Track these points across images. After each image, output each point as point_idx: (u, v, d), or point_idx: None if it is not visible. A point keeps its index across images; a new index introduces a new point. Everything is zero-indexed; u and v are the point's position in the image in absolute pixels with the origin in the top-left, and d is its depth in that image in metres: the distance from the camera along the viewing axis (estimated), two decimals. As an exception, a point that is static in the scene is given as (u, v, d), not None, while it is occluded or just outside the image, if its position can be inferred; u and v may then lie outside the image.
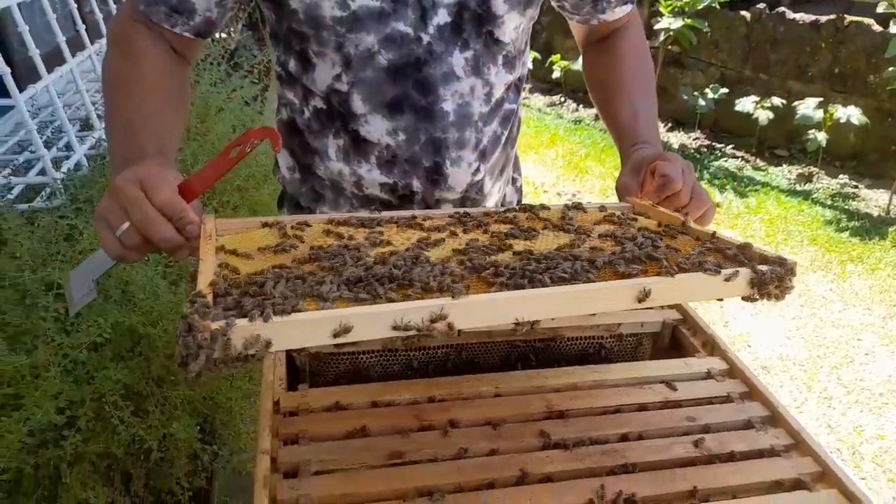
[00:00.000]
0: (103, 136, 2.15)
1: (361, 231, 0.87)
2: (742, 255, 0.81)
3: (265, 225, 0.88)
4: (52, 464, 1.31)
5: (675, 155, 0.96)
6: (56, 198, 1.73)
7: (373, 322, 0.63)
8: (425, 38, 0.93)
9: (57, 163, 1.97)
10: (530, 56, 1.17)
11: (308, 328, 0.62)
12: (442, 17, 0.93)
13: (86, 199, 1.59)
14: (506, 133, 1.08)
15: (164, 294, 1.40)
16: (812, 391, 2.66)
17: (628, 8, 1.11)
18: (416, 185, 1.01)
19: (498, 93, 1.02)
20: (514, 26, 0.99)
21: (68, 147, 2.09)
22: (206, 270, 0.70)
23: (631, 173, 1.00)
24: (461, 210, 0.92)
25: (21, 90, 1.83)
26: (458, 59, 0.96)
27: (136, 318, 1.37)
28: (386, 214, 0.90)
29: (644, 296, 0.72)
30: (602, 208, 0.97)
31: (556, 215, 0.94)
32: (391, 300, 0.65)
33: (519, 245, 0.84)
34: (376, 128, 0.97)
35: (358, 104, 0.97)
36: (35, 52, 1.89)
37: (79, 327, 1.30)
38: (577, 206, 0.97)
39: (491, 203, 1.12)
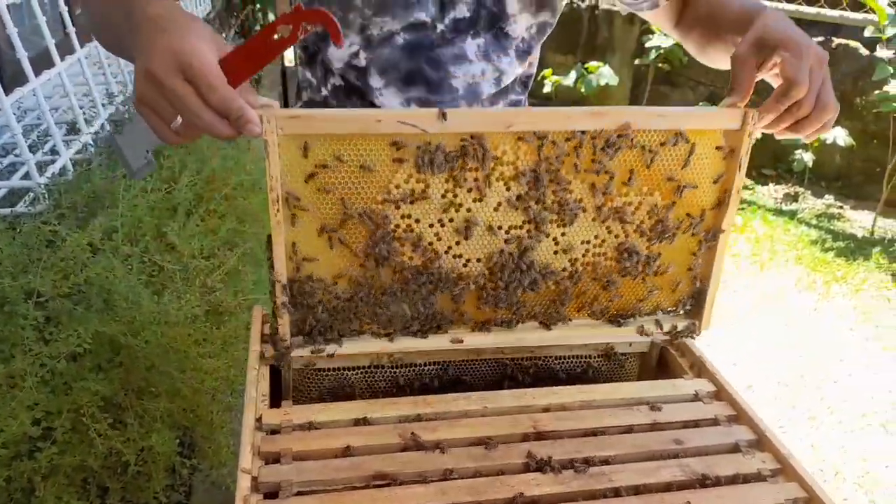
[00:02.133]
0: (90, 141, 2.12)
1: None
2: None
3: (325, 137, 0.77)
4: (25, 476, 1.28)
5: (805, 40, 0.81)
6: (39, 203, 1.70)
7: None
8: (440, 27, 0.99)
9: (41, 167, 1.94)
10: (537, 60, 1.16)
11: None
12: (460, 11, 0.99)
13: (70, 204, 1.56)
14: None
15: (146, 303, 1.38)
16: (796, 410, 2.66)
17: None
18: None
19: (507, 80, 1.06)
20: (525, 26, 1.03)
21: (53, 151, 2.06)
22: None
23: (753, 46, 0.84)
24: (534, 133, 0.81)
25: (7, 93, 1.80)
26: (471, 46, 1.01)
27: (116, 327, 1.35)
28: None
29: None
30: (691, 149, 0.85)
31: (628, 162, 0.84)
32: None
33: (552, 231, 0.87)
34: (390, 100, 1.01)
35: (375, 78, 1.01)
36: (23, 55, 1.86)
37: (58, 336, 1.28)
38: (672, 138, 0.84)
39: None
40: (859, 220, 4.24)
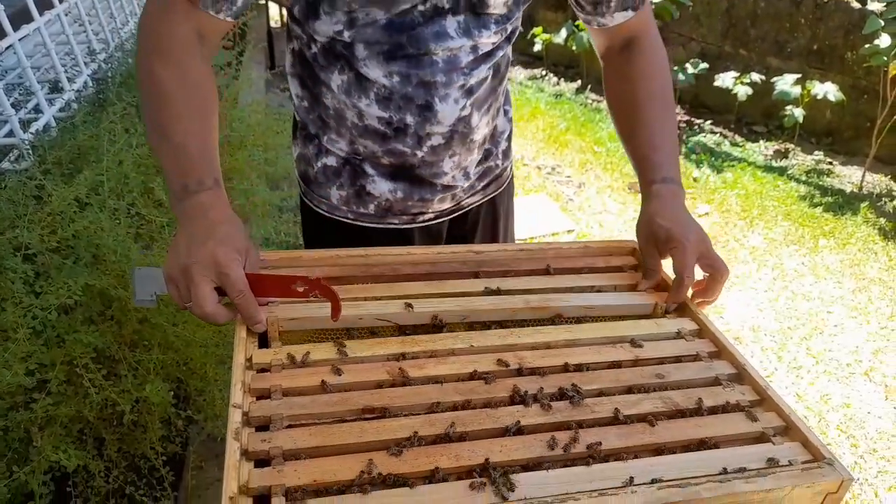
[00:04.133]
0: (72, 98, 2.10)
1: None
2: None
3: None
4: (22, 427, 1.30)
5: (686, 232, 0.99)
6: (24, 160, 1.69)
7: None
8: (420, 8, 1.01)
9: (25, 125, 1.92)
10: (520, 19, 1.24)
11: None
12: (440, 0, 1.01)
13: (55, 160, 1.55)
14: (492, 72, 1.13)
15: (135, 257, 1.38)
16: (782, 361, 2.72)
17: (628, 15, 1.11)
18: (409, 119, 1.08)
19: (485, 48, 1.08)
20: (502, 2, 1.06)
21: (37, 109, 2.04)
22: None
23: (650, 241, 1.04)
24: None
25: (-14, 49, 1.78)
26: (451, 23, 1.03)
27: (106, 280, 1.35)
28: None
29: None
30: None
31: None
32: None
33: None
34: (374, 71, 1.04)
35: (359, 50, 1.03)
36: (0, 9, 1.83)
37: (48, 289, 1.28)
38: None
39: (479, 135, 1.16)
40: (848, 176, 4.26)
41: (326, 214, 1.20)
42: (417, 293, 0.98)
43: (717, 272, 0.99)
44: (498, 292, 1.01)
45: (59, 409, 1.32)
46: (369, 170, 1.14)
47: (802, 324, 2.94)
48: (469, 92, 1.10)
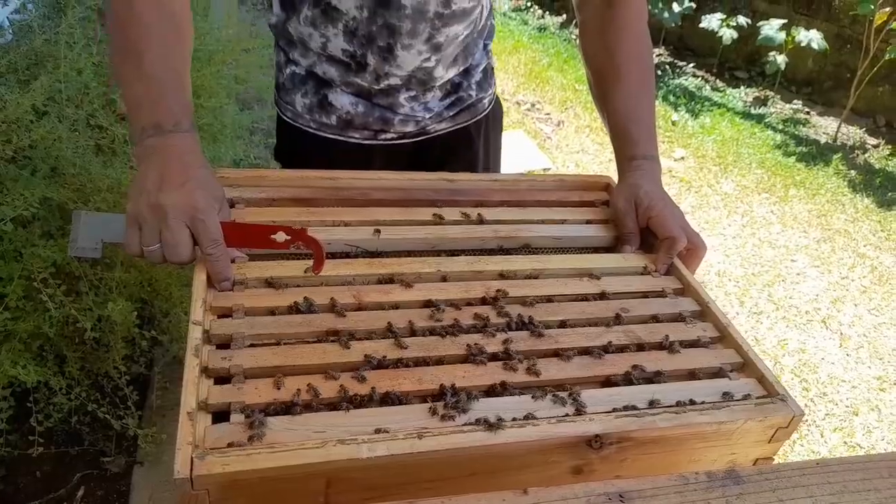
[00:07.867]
0: (28, 0, 1.97)
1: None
2: None
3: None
4: (-22, 341, 1.28)
5: (670, 203, 0.99)
6: (-24, 64, 1.59)
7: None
8: None
9: (-23, 27, 1.80)
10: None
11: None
12: None
13: (9, 64, 1.46)
14: (468, 31, 1.13)
15: (96, 170, 1.33)
16: (744, 306, 2.78)
17: None
18: (370, 58, 1.08)
19: (459, 4, 1.06)
20: None
21: (-10, 11, 1.91)
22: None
23: (627, 202, 1.00)
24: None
25: (-68, -60, 1.64)
26: None
27: (66, 194, 1.30)
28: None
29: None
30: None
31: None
32: None
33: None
34: (346, 2, 1.04)
35: None
36: None
37: (4, 200, 1.23)
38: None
39: (442, 81, 1.16)
40: (824, 127, 4.28)
41: (290, 121, 1.20)
42: (388, 219, 0.96)
43: (696, 247, 0.97)
44: (472, 221, 0.99)
45: (17, 324, 1.29)
46: (333, 83, 1.15)
47: (766, 270, 3.00)
48: (436, 48, 1.08)
